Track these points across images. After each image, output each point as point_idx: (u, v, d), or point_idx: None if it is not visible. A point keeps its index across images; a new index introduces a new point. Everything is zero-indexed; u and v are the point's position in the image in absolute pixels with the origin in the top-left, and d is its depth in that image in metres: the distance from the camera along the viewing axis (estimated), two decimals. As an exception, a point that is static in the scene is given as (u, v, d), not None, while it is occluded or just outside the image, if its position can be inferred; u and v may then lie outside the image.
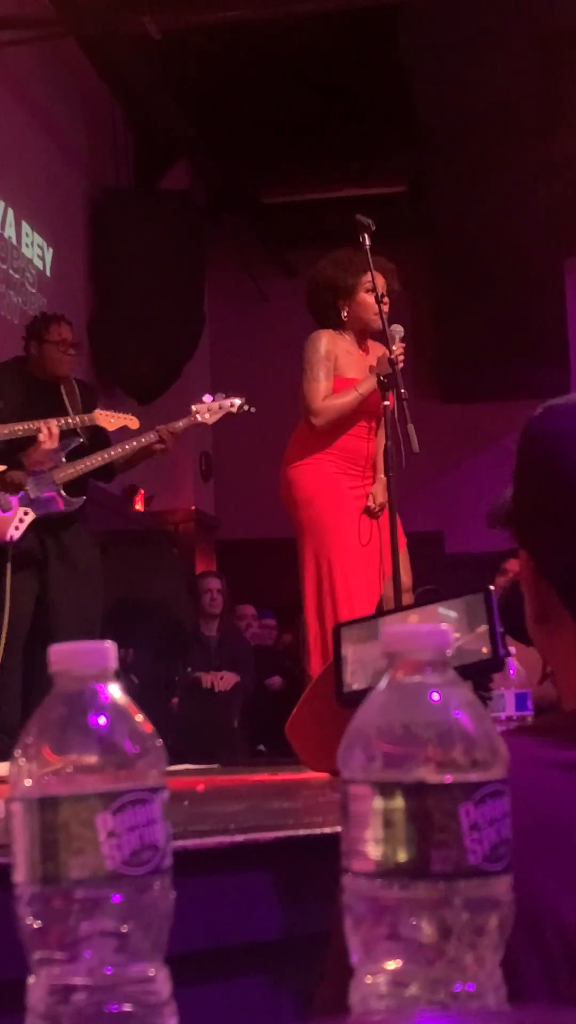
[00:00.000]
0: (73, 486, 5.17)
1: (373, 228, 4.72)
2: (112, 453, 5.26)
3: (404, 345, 4.89)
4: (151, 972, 0.71)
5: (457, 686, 0.72)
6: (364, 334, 5.08)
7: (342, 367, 4.95)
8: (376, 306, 4.88)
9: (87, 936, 0.70)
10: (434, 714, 0.71)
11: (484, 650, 1.42)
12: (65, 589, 5.21)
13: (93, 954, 0.70)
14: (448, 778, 0.69)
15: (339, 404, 4.88)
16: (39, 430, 5.03)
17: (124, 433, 5.37)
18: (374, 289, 4.78)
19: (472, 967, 0.68)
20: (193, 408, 5.53)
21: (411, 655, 0.72)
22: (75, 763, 0.71)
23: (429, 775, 0.69)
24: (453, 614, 1.44)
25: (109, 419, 5.35)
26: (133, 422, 5.39)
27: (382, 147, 9.95)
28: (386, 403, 4.63)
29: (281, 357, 11.64)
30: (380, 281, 4.84)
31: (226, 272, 11.26)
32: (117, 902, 0.70)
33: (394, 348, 4.78)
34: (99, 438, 5.33)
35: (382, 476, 4.94)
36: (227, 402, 5.58)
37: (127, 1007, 0.70)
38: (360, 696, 1.42)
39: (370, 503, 4.95)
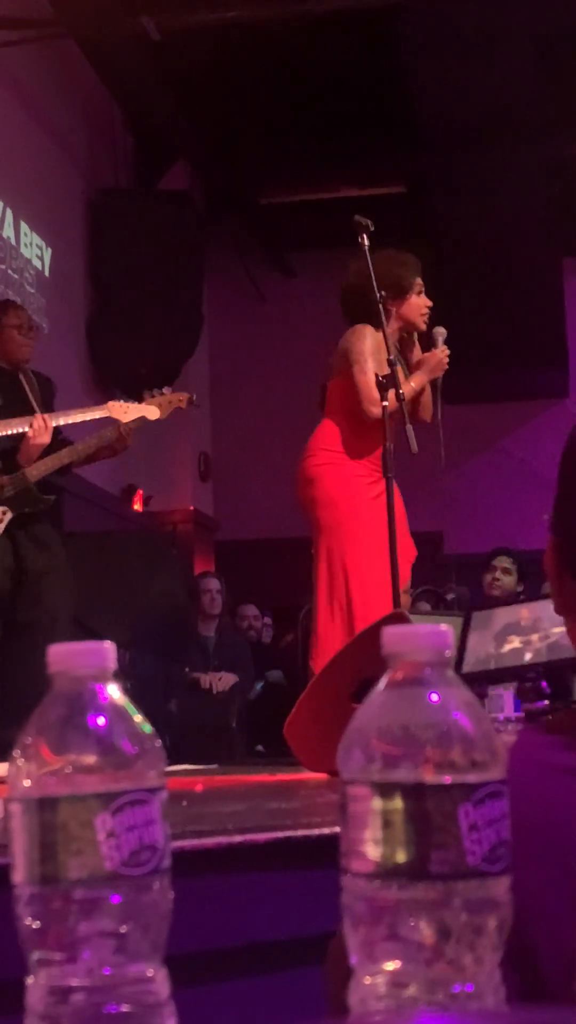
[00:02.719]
0: (42, 482, 5.15)
1: (372, 229, 4.70)
2: (80, 448, 5.20)
3: (447, 349, 4.91)
4: (150, 972, 0.71)
5: (456, 687, 0.72)
6: (399, 337, 5.04)
7: (381, 365, 4.87)
8: (424, 308, 4.91)
9: (86, 936, 0.70)
10: (433, 715, 0.71)
11: None
12: (45, 575, 5.18)
13: (92, 954, 0.70)
14: (447, 779, 0.69)
15: None
16: (31, 424, 5.01)
17: (85, 426, 5.27)
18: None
19: (471, 968, 0.68)
20: (146, 399, 5.41)
21: (410, 656, 0.72)
22: (74, 763, 0.71)
23: (428, 776, 0.69)
24: None
25: (123, 411, 5.24)
26: (152, 412, 5.24)
27: (381, 148, 9.94)
28: (385, 403, 4.62)
29: (279, 358, 11.68)
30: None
31: (224, 273, 11.26)
32: (116, 903, 0.70)
33: (440, 349, 4.84)
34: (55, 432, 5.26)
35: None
36: (176, 396, 5.48)
37: (125, 1008, 0.70)
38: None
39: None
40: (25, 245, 8.37)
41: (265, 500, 10.67)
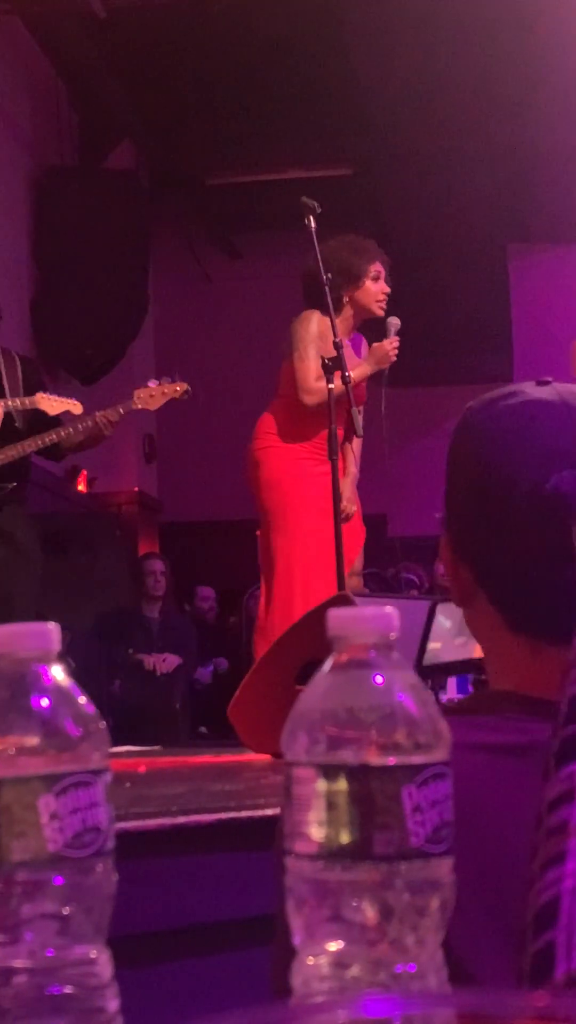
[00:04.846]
0: (7, 469, 5.10)
1: (319, 211, 4.70)
2: (48, 439, 5.16)
3: (398, 339, 4.90)
4: (93, 954, 0.71)
5: (401, 669, 0.72)
6: (356, 323, 5.02)
7: (327, 350, 4.86)
8: (380, 294, 4.90)
9: (28, 918, 0.70)
10: (378, 697, 0.71)
11: None
12: (3, 569, 5.16)
13: (34, 936, 0.70)
14: (391, 760, 0.69)
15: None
16: None
17: (69, 415, 5.27)
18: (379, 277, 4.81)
19: (413, 948, 0.69)
20: (135, 394, 5.42)
21: (355, 638, 0.72)
22: (17, 745, 0.71)
23: (372, 758, 0.69)
24: None
25: (51, 403, 5.22)
26: (76, 407, 5.22)
27: (328, 130, 9.93)
28: (331, 386, 4.61)
29: (225, 338, 11.65)
30: (383, 271, 4.89)
31: (170, 253, 11.22)
32: (59, 884, 0.70)
33: (389, 340, 4.83)
34: (39, 417, 5.24)
35: (353, 471, 4.96)
36: (171, 387, 5.46)
37: (68, 989, 0.69)
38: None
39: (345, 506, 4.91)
40: (-32, 223, 8.29)
41: (210, 482, 10.66)
